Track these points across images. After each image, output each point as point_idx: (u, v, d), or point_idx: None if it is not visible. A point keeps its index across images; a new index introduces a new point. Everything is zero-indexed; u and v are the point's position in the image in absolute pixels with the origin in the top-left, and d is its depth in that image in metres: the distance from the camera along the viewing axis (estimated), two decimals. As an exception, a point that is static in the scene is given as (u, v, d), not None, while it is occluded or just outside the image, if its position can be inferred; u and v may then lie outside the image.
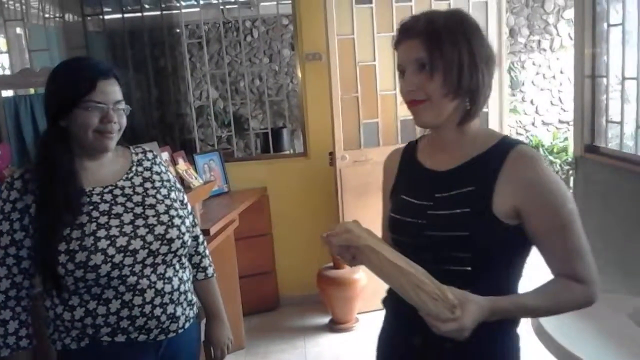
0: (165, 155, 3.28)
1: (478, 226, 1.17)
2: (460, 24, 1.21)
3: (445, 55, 1.17)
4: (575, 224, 1.19)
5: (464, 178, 1.23)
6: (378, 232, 1.29)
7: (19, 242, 1.44)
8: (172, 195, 1.61)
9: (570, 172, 4.98)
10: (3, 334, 1.44)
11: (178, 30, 4.98)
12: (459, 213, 1.19)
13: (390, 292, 1.36)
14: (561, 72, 6.68)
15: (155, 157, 1.67)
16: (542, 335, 1.89)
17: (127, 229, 1.46)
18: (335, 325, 3.77)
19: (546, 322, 1.93)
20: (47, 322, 1.51)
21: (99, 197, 1.49)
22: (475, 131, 1.27)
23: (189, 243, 1.59)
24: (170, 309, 1.50)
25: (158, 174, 1.63)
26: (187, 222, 1.61)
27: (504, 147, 1.22)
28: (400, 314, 1.30)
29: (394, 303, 1.33)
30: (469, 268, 1.20)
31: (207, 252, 1.79)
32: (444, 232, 1.21)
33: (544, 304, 1.22)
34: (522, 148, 1.21)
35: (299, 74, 4.08)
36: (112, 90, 1.47)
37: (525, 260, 1.27)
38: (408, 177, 1.37)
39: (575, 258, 1.20)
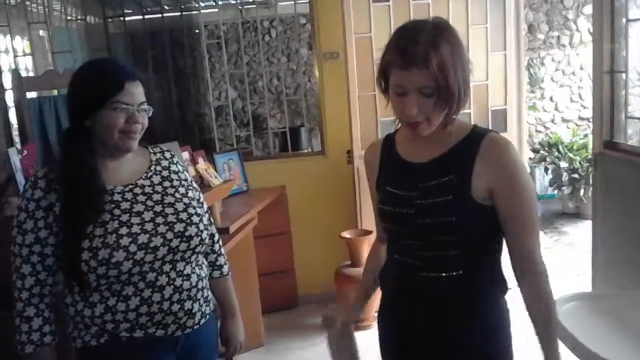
0: (185, 155, 3.32)
1: (461, 211, 1.30)
2: (456, 45, 1.28)
3: (450, 83, 1.24)
4: (533, 204, 1.34)
5: (443, 168, 1.34)
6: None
7: (43, 240, 1.47)
8: (190, 194, 1.65)
9: (590, 169, 4.94)
10: (27, 330, 1.47)
11: (197, 31, 5.05)
12: (443, 201, 1.31)
13: (383, 277, 1.51)
14: (581, 69, 6.62)
15: (172, 156, 1.70)
16: (560, 331, 1.89)
17: (148, 226, 1.49)
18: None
19: (562, 317, 1.93)
20: (66, 320, 1.54)
21: (120, 195, 1.52)
22: (450, 126, 1.36)
23: (207, 240, 1.62)
24: (187, 305, 1.53)
25: (176, 173, 1.66)
26: (205, 220, 1.64)
27: (477, 136, 1.35)
28: (403, 291, 1.44)
29: (391, 287, 1.49)
30: (457, 251, 1.33)
31: (222, 250, 1.82)
32: (431, 218, 1.32)
33: (552, 337, 1.34)
34: (494, 135, 1.35)
35: (317, 73, 4.10)
36: (138, 92, 1.51)
37: (502, 236, 1.39)
38: (390, 169, 1.46)
39: (529, 231, 1.33)
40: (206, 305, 1.62)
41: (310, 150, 5.49)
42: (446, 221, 1.31)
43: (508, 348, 1.43)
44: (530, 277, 1.34)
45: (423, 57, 1.22)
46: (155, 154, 1.67)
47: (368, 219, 3.82)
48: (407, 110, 1.27)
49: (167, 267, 1.50)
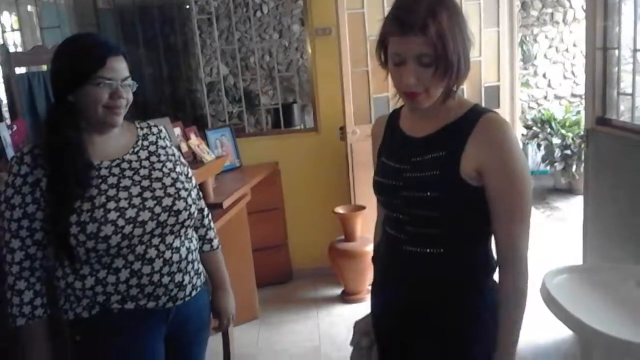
0: (177, 131, 3.31)
1: (446, 188, 1.29)
2: (455, 15, 1.25)
3: (449, 53, 1.22)
4: (523, 188, 1.28)
5: (437, 143, 1.32)
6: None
7: (31, 215, 1.47)
8: (178, 168, 1.65)
9: (582, 145, 4.97)
10: (19, 303, 1.48)
11: (188, 7, 4.98)
12: (430, 175, 1.30)
13: (378, 250, 1.52)
14: (574, 45, 6.61)
15: (160, 131, 1.70)
16: (551, 303, 1.92)
17: (136, 201, 1.49)
18: (347, 297, 3.83)
19: (555, 290, 1.96)
20: (58, 293, 1.55)
21: (107, 170, 1.52)
22: (451, 101, 1.34)
23: (195, 215, 1.62)
24: (177, 277, 1.54)
25: (163, 148, 1.66)
26: (193, 194, 1.64)
27: (475, 114, 1.32)
28: (388, 269, 1.46)
29: (381, 259, 1.50)
30: (440, 229, 1.33)
31: (212, 224, 1.82)
32: (416, 192, 1.32)
33: (514, 324, 1.35)
34: (492, 115, 1.30)
35: (309, 49, 4.07)
36: (121, 67, 1.50)
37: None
38: (390, 142, 1.46)
39: (516, 217, 1.29)
40: (197, 278, 1.63)
41: (302, 126, 5.47)
42: (429, 196, 1.30)
43: (491, 328, 1.38)
44: (508, 267, 1.32)
45: (421, 24, 1.19)
46: (142, 129, 1.67)
47: (361, 194, 3.83)
48: (405, 79, 1.25)
49: (156, 241, 1.50)
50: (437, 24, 1.20)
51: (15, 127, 2.37)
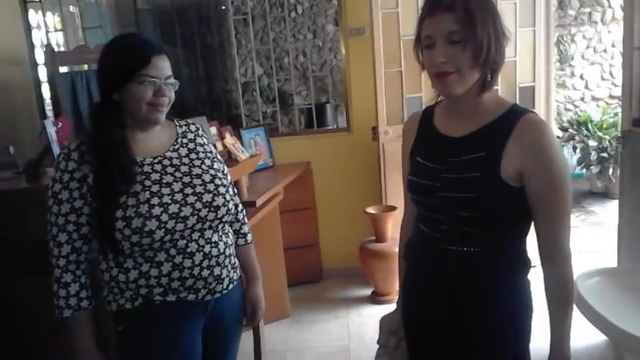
0: (213, 130, 3.37)
1: (486, 189, 1.29)
2: (487, 1, 1.29)
3: (477, 31, 1.24)
4: (565, 188, 1.29)
5: (475, 144, 1.32)
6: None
7: (78, 210, 1.53)
8: (215, 165, 1.69)
9: (619, 147, 4.88)
10: (65, 295, 1.54)
11: (224, 7, 5.06)
12: (469, 177, 1.31)
13: (409, 246, 1.54)
14: (613, 46, 6.49)
15: (197, 129, 1.75)
16: (583, 305, 1.91)
17: (178, 197, 1.54)
18: (377, 297, 3.84)
19: (587, 292, 1.95)
20: (101, 285, 1.61)
21: (150, 167, 1.57)
22: (488, 100, 1.35)
23: (232, 210, 1.67)
24: (216, 271, 1.59)
25: (201, 145, 1.71)
26: (230, 190, 1.69)
27: (514, 115, 1.32)
28: (420, 266, 1.47)
29: (413, 256, 1.52)
30: (476, 228, 1.33)
31: (245, 219, 1.87)
32: (454, 193, 1.32)
33: (564, 318, 1.36)
34: (532, 116, 1.30)
35: (343, 50, 4.10)
36: (164, 66, 1.55)
37: (530, 219, 1.36)
38: (425, 141, 1.46)
39: (558, 215, 1.31)
40: (233, 272, 1.67)
41: (335, 126, 5.50)
42: (469, 197, 1.30)
43: (524, 329, 1.42)
44: (554, 262, 1.33)
45: (449, 2, 1.24)
46: (181, 126, 1.72)
47: (392, 195, 3.84)
48: (435, 58, 1.27)
49: (196, 235, 1.55)
50: (466, 2, 1.24)
51: (59, 124, 2.45)
